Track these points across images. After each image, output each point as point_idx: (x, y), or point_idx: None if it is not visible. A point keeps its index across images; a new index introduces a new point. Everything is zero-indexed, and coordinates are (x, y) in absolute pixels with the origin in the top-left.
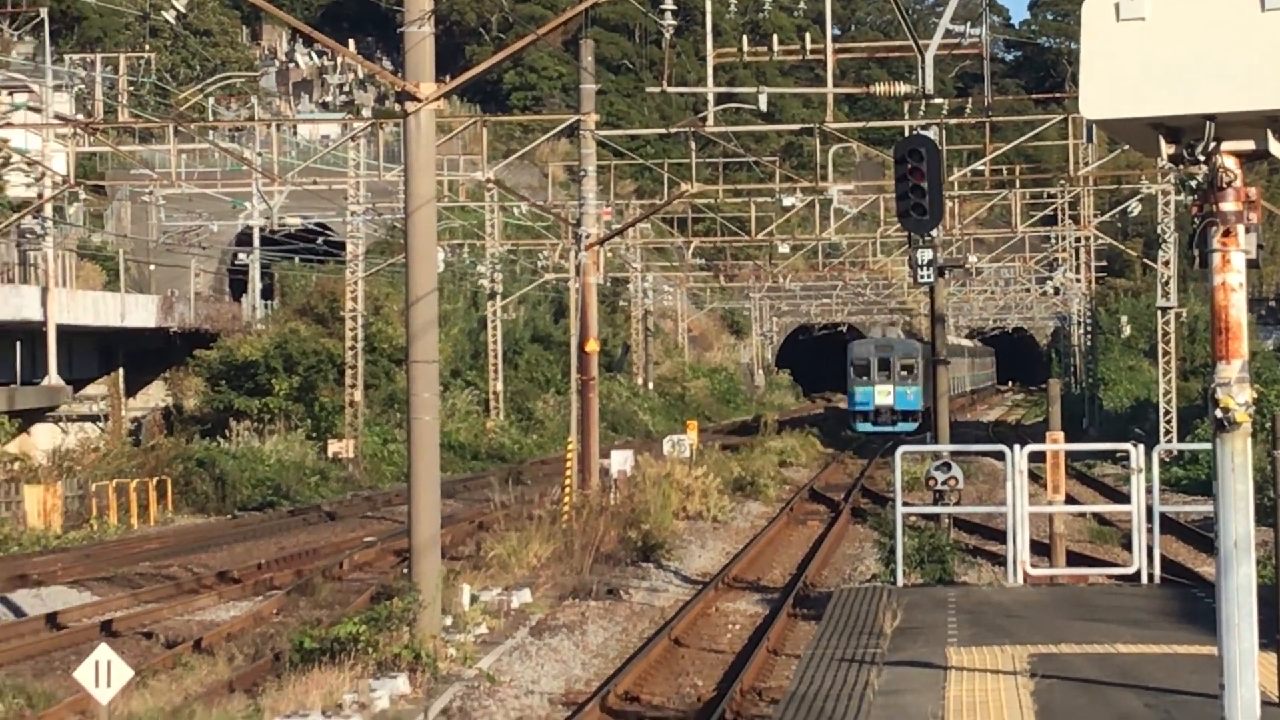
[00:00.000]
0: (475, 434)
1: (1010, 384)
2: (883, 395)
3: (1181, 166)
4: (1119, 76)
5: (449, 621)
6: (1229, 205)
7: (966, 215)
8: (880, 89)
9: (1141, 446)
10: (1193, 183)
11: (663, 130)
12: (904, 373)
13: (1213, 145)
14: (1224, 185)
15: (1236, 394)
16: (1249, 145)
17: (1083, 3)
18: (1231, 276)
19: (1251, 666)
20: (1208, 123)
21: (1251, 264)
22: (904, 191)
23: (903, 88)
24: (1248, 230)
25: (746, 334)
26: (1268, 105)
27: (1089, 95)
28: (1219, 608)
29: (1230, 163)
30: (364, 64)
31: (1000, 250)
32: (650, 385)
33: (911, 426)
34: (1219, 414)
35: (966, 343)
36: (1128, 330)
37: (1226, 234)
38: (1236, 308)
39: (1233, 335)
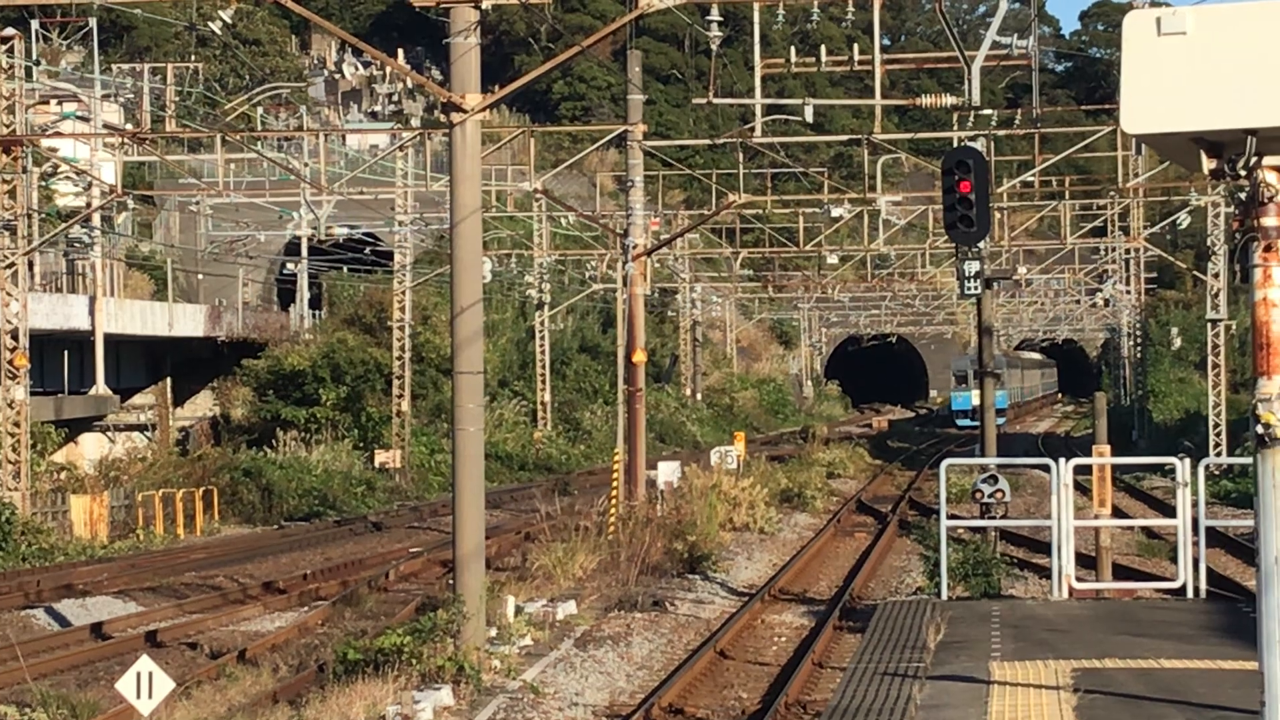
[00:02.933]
0: (523, 444)
1: (1061, 395)
2: (977, 398)
3: (1225, 180)
4: (1160, 91)
5: (493, 633)
6: (1271, 220)
7: (1016, 226)
8: (927, 101)
9: (1187, 460)
10: (1242, 195)
11: (709, 141)
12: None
13: (1254, 160)
14: (1265, 200)
15: (1278, 410)
16: None
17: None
18: (1273, 292)
19: None
20: (1249, 138)
21: None
22: (951, 203)
23: (949, 100)
24: None
25: (795, 345)
26: None
27: (1130, 110)
28: (1260, 624)
29: (1272, 178)
30: (410, 75)
31: (1050, 261)
32: (699, 396)
33: (1001, 421)
34: (1260, 430)
35: (1035, 355)
36: (1178, 342)
37: (1268, 249)
38: (1278, 323)
39: (1274, 351)
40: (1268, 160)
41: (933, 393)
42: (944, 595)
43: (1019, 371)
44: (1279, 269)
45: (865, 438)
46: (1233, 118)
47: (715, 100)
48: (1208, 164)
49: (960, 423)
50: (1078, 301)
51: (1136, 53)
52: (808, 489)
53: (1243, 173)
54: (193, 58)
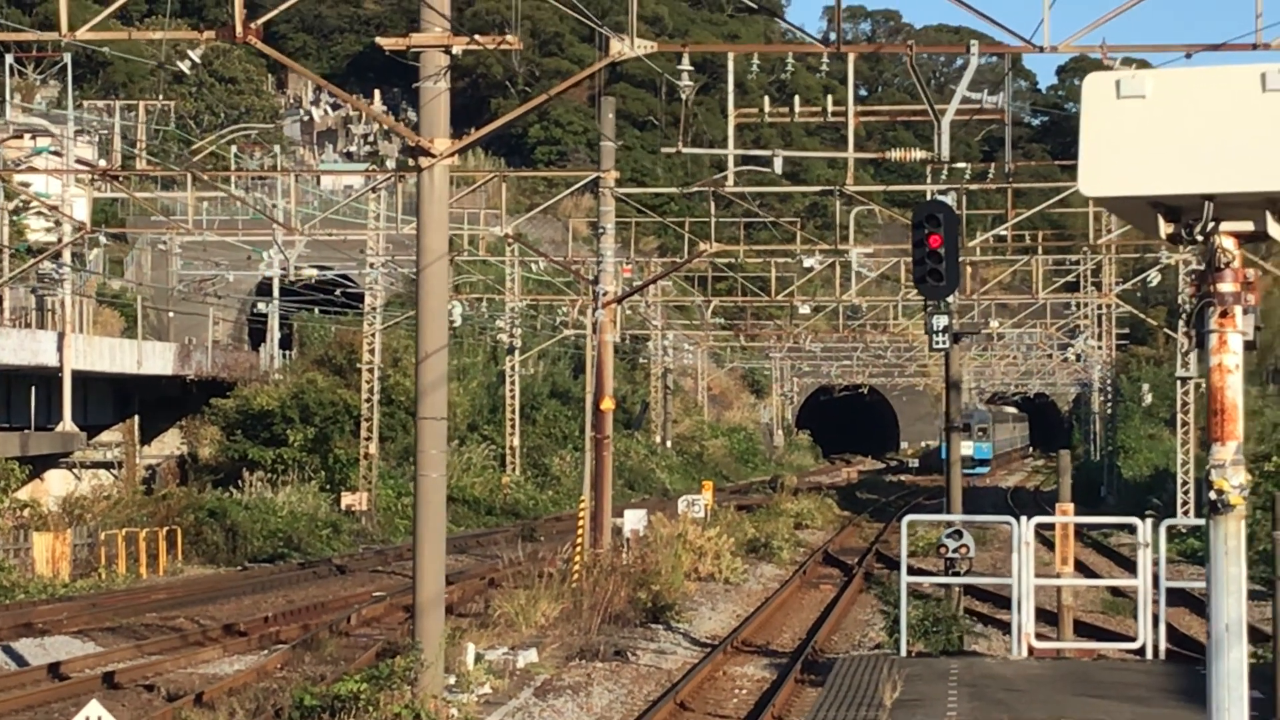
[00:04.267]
0: (491, 489)
1: (1033, 450)
2: (966, 448)
3: (1182, 245)
4: (1119, 154)
5: (452, 680)
6: (1227, 286)
7: (989, 279)
8: (896, 155)
9: (1150, 521)
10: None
11: (675, 190)
12: (980, 432)
13: (1211, 225)
14: (1222, 266)
15: (1231, 476)
16: (1248, 226)
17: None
18: (1228, 358)
19: None
20: (1206, 203)
21: (1249, 345)
22: (921, 257)
23: (919, 154)
24: (1245, 312)
25: (767, 394)
26: (1267, 187)
27: (1088, 172)
28: (1209, 691)
29: (1229, 243)
30: (380, 118)
31: (1022, 315)
32: (669, 443)
33: (985, 470)
34: (1213, 496)
35: (1011, 410)
36: (1149, 398)
37: (1224, 315)
38: (1233, 389)
39: (1228, 417)
40: (1225, 226)
41: (904, 444)
42: (903, 652)
43: (1002, 425)
44: (1234, 335)
45: (835, 488)
46: (1190, 183)
47: (685, 149)
48: (1165, 228)
49: None
50: (1050, 356)
51: (1095, 115)
52: (775, 539)
53: (1200, 238)
54: (163, 96)
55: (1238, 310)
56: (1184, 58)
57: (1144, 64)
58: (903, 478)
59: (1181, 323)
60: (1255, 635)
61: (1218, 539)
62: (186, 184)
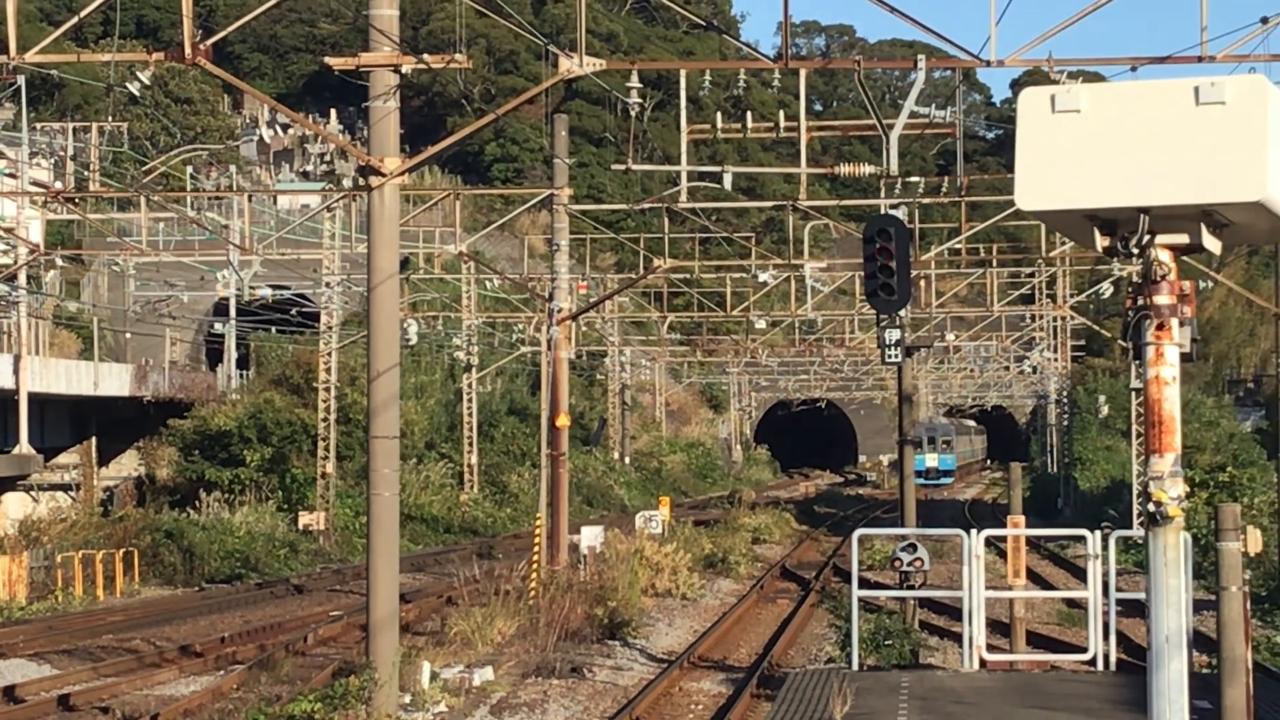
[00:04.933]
0: (449, 507)
1: (990, 462)
2: (931, 460)
3: (1118, 258)
4: (1054, 168)
5: (407, 699)
6: (1163, 299)
7: (945, 293)
8: (845, 170)
9: (1099, 533)
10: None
11: (626, 206)
12: (944, 445)
13: (1146, 238)
14: (1158, 278)
15: (1169, 488)
16: (1183, 239)
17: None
18: (1165, 370)
19: None
20: (1142, 216)
21: (1185, 357)
22: (873, 271)
23: (868, 169)
24: (1181, 324)
25: (725, 409)
26: (1201, 199)
27: (1024, 186)
28: (1150, 703)
29: (1164, 256)
30: (331, 138)
31: (978, 328)
32: (627, 459)
33: (949, 480)
34: (1151, 508)
35: (971, 423)
36: (1105, 410)
37: (1160, 327)
38: (1170, 401)
39: (1166, 429)
40: (1160, 239)
41: (862, 458)
42: (855, 665)
43: (962, 437)
44: (1171, 348)
45: (793, 503)
46: (1125, 196)
47: (636, 166)
48: (1101, 241)
49: (918, 481)
50: (1006, 368)
51: (1031, 129)
52: (732, 554)
53: (1135, 251)
54: (117, 118)
55: (1174, 322)
56: (1130, 70)
57: (1098, 76)
58: (861, 491)
59: (1120, 335)
60: (1209, 644)
61: (1157, 550)
62: (141, 205)
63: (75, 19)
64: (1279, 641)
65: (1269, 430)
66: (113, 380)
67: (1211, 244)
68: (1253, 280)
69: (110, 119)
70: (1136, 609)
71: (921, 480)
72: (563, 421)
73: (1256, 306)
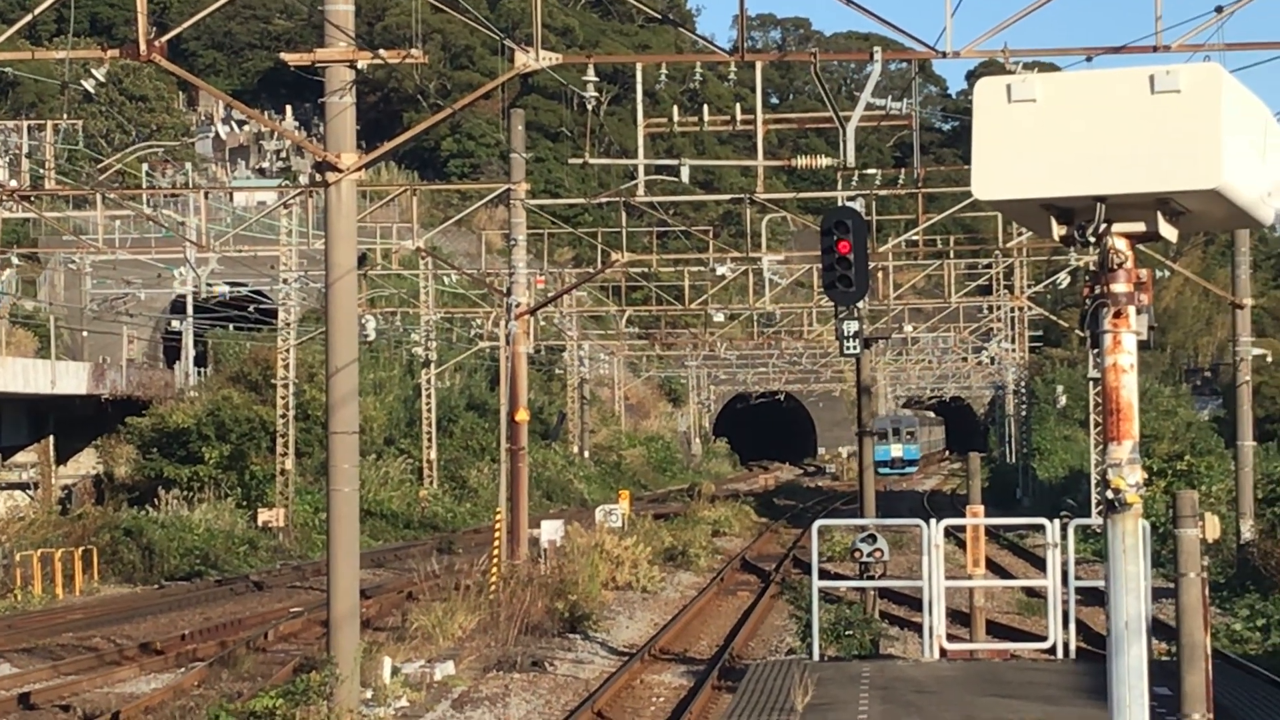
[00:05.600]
0: (408, 502)
1: (949, 453)
2: (896, 450)
3: (1075, 246)
4: (1011, 158)
5: (368, 695)
6: (1120, 287)
7: (902, 284)
8: (802, 162)
9: (1058, 522)
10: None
11: (583, 200)
12: (908, 435)
13: (1103, 227)
14: (1115, 266)
15: (1127, 475)
16: (1140, 227)
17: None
18: (1122, 358)
19: None
20: (1098, 204)
21: (1143, 345)
22: (830, 263)
23: (824, 160)
24: (1139, 311)
25: (684, 402)
26: (1158, 188)
27: (981, 176)
28: (1110, 689)
29: (1121, 244)
30: (287, 133)
31: (936, 319)
32: (586, 453)
33: (913, 470)
34: (1110, 495)
35: (930, 414)
36: (1063, 400)
37: (1118, 315)
38: (1128, 389)
39: (1124, 416)
40: (1117, 227)
41: (821, 449)
42: (816, 656)
43: (924, 429)
44: (1128, 335)
45: (752, 495)
46: (1082, 185)
47: (593, 160)
48: (1058, 230)
49: (881, 471)
50: (964, 359)
51: (987, 119)
52: (692, 547)
53: (1092, 239)
54: (73, 115)
55: (1131, 310)
56: (1085, 60)
57: (1053, 67)
58: (820, 483)
59: (1078, 324)
60: (1168, 631)
61: (1115, 537)
62: (97, 203)
63: (29, 16)
64: (1237, 629)
65: (1226, 419)
66: (70, 378)
67: (1168, 232)
68: (1209, 269)
69: (65, 117)
70: (1095, 597)
71: (886, 470)
72: (522, 416)
73: (1213, 295)
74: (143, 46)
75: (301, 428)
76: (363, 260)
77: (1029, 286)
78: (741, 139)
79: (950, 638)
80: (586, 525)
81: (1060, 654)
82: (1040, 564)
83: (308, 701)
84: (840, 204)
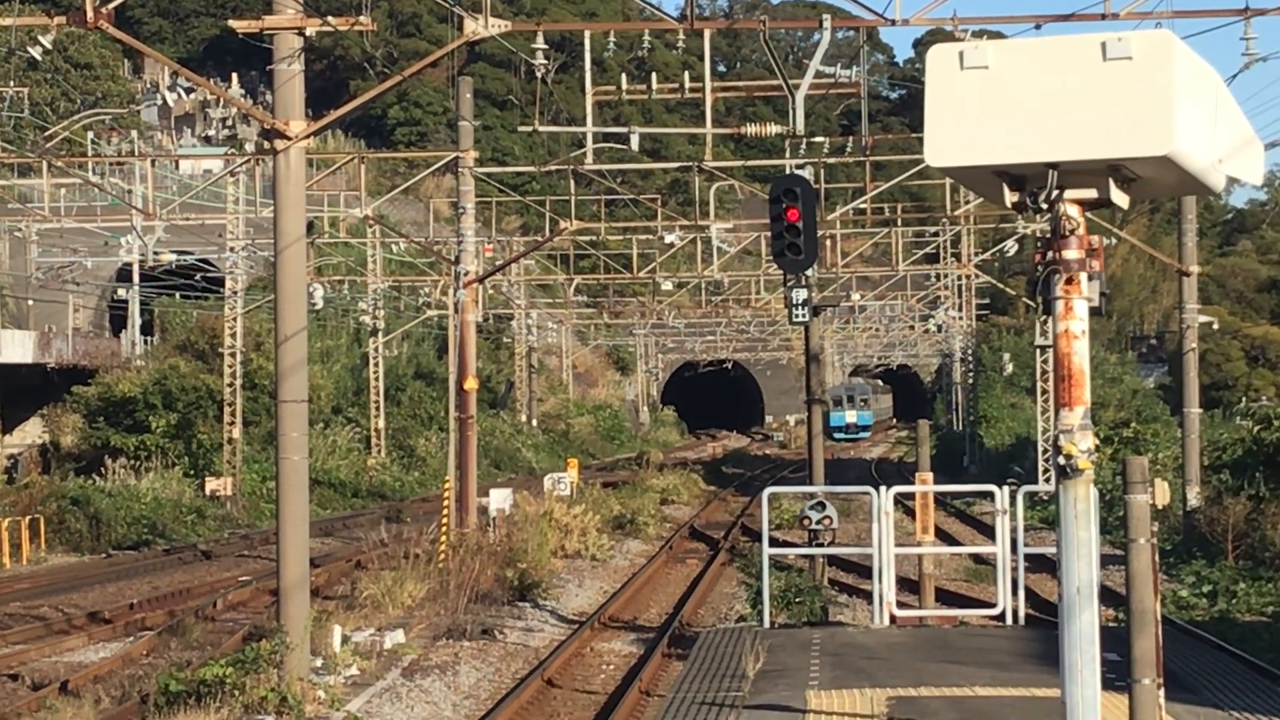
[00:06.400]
0: (356, 471)
1: (896, 421)
2: (851, 416)
3: (1027, 213)
4: (963, 125)
5: (318, 663)
6: (1072, 253)
7: (850, 252)
8: (752, 130)
9: (1007, 489)
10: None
11: (533, 168)
12: (861, 403)
13: (1055, 194)
14: (1067, 233)
15: (1079, 441)
16: (1091, 194)
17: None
18: (1074, 324)
19: (1094, 712)
20: (1050, 171)
21: (1095, 311)
22: (779, 231)
23: (774, 128)
24: (1090, 278)
25: (632, 370)
26: (1109, 154)
27: (934, 143)
28: (1062, 653)
29: (1073, 211)
30: (235, 101)
31: (883, 288)
32: (534, 422)
33: (867, 435)
34: (1062, 460)
35: (879, 382)
36: (1010, 368)
37: (1069, 281)
38: (1079, 355)
39: (1075, 382)
40: (1069, 194)
41: (769, 418)
42: (766, 623)
43: (878, 396)
44: (1080, 301)
45: (701, 463)
46: (1034, 151)
47: (541, 128)
48: (1010, 197)
49: (837, 436)
50: (911, 327)
51: (940, 86)
52: (641, 515)
53: (1044, 206)
54: (17, 83)
55: (1083, 277)
56: (1034, 28)
57: (1002, 35)
58: (768, 451)
59: (1028, 289)
60: (1115, 598)
61: (1067, 503)
62: (43, 170)
63: None
64: (1184, 595)
65: (1171, 386)
66: (15, 347)
67: (1120, 198)
68: (1155, 237)
69: (10, 84)
70: (1043, 565)
71: (842, 435)
72: (470, 384)
73: (1159, 263)
74: (89, 13)
75: (249, 396)
76: (310, 229)
77: (976, 254)
78: (690, 107)
79: (899, 604)
80: (535, 494)
81: (1009, 620)
82: (987, 531)
83: (257, 670)
84: (788, 172)
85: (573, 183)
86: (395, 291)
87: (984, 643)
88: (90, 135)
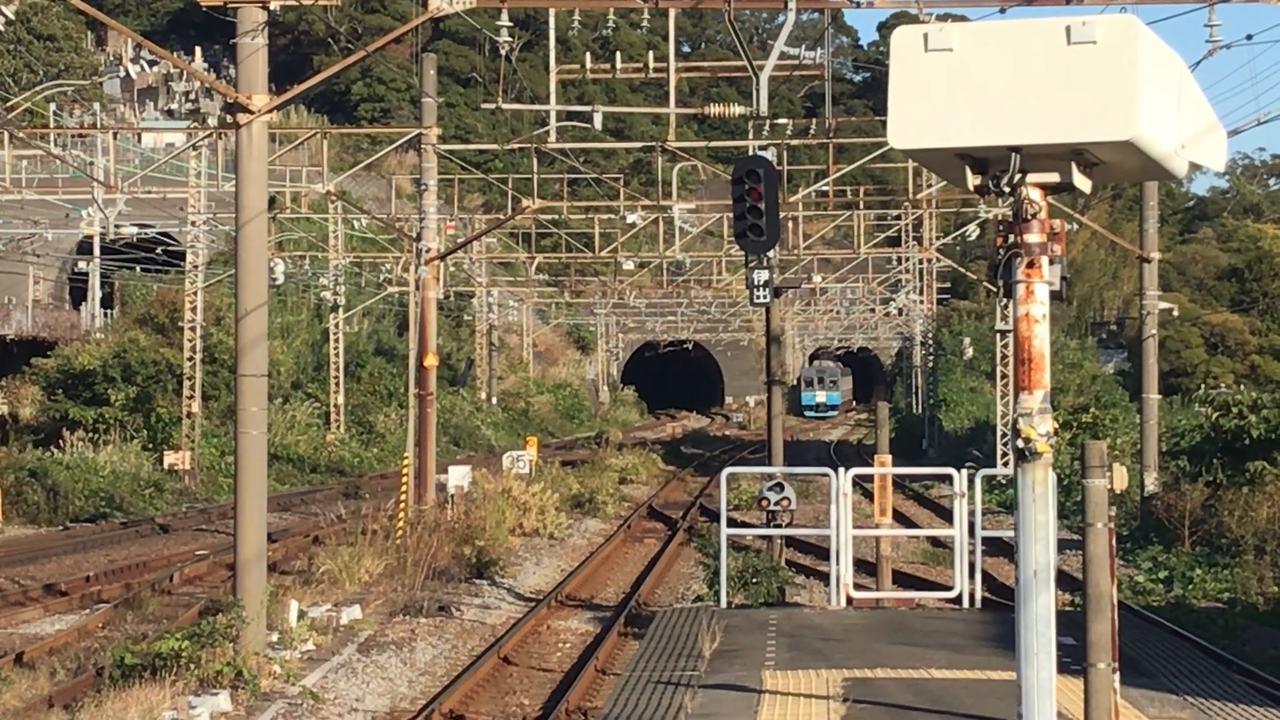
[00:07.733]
0: (315, 447)
1: (855, 403)
2: (821, 396)
3: (989, 196)
4: (927, 107)
5: (275, 638)
6: (1033, 237)
7: (812, 235)
8: (715, 110)
9: (966, 472)
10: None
11: (496, 146)
12: (831, 384)
13: (1018, 177)
14: (1029, 217)
15: (1038, 425)
16: (1054, 177)
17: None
18: (1035, 308)
19: (1050, 695)
20: (1013, 155)
21: (1055, 295)
22: (741, 212)
23: (738, 109)
24: (1051, 262)
25: (592, 350)
26: (1072, 138)
27: (897, 125)
28: (1018, 636)
29: (1035, 194)
30: (198, 74)
31: (845, 270)
32: (494, 400)
33: (835, 414)
34: (1020, 444)
35: (841, 365)
36: (970, 352)
37: (1030, 265)
38: (1040, 339)
39: (1035, 366)
40: (1031, 177)
41: (729, 399)
42: (724, 603)
43: (844, 378)
44: (1041, 285)
45: (660, 443)
46: (997, 134)
47: (505, 106)
48: (973, 180)
49: (808, 414)
50: (872, 310)
51: (904, 68)
52: (599, 494)
53: (1007, 189)
54: None
55: (1044, 261)
56: (999, 12)
57: (966, 19)
58: (727, 432)
59: (989, 273)
60: (1072, 583)
61: (1025, 486)
62: (4, 141)
63: None
64: (1140, 580)
65: (1131, 372)
66: None
67: (1082, 182)
68: (1116, 223)
69: None
70: (1000, 548)
71: (812, 413)
72: (430, 361)
73: (1120, 249)
74: None
75: (208, 370)
76: (272, 203)
77: (938, 238)
78: (653, 87)
79: (857, 586)
80: (494, 471)
81: (966, 603)
82: (945, 514)
83: (213, 644)
84: (751, 153)
85: (535, 161)
86: (356, 268)
87: (940, 625)
88: (52, 107)
